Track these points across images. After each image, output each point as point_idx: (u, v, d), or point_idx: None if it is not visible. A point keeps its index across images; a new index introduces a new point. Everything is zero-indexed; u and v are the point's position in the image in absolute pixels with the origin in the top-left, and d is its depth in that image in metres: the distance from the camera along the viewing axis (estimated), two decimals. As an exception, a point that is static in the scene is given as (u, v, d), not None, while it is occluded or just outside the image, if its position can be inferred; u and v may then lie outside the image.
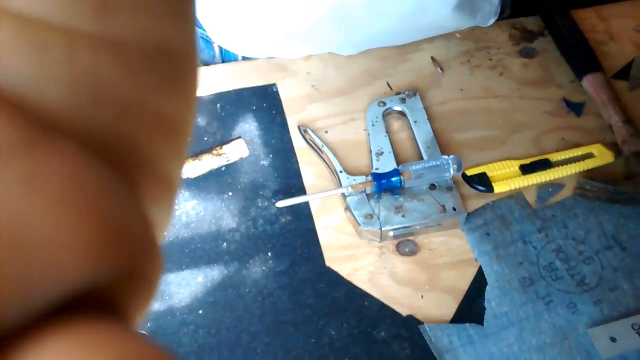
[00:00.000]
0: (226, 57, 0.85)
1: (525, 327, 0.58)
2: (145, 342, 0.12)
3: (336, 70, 0.77)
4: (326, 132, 0.72)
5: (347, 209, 0.64)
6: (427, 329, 0.58)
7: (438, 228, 0.64)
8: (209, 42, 0.85)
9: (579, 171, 0.67)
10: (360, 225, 0.62)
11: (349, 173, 0.66)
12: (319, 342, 0.59)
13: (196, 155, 0.68)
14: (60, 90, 0.13)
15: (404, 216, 0.63)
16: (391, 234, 0.63)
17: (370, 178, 0.65)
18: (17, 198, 0.11)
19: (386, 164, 0.67)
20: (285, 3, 0.71)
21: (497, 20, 0.83)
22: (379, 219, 0.62)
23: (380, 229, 0.62)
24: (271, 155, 0.70)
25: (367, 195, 0.64)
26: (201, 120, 0.73)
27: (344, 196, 0.65)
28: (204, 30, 0.84)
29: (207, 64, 0.89)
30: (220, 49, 0.84)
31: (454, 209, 0.63)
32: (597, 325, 0.58)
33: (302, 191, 0.68)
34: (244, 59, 0.83)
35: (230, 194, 0.68)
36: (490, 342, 0.57)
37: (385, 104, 0.72)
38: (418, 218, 0.62)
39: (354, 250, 0.64)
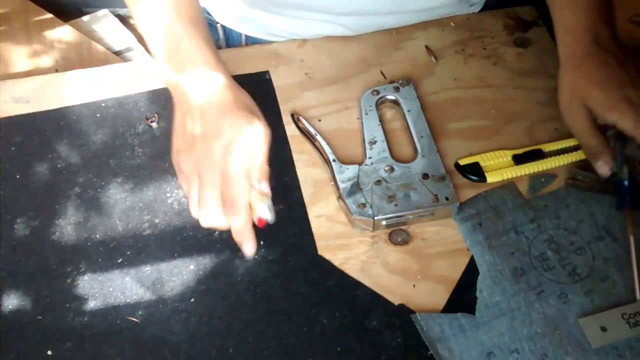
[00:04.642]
0: (229, 39, 0.84)
1: (516, 317, 0.58)
2: None
3: (329, 58, 0.77)
4: (319, 120, 0.71)
5: (340, 197, 0.64)
6: (419, 318, 0.58)
7: (430, 217, 0.64)
8: (211, 24, 0.83)
9: (571, 161, 0.67)
10: (352, 214, 0.62)
11: (342, 161, 0.66)
12: (311, 331, 0.59)
13: (188, 142, 0.67)
14: None
15: (396, 205, 0.63)
16: (384, 223, 0.63)
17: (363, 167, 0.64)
18: None
19: (379, 153, 0.66)
20: None
21: (487, 7, 0.82)
22: (371, 207, 0.62)
23: (373, 217, 0.62)
24: (264, 143, 0.70)
25: (359, 184, 0.64)
26: (193, 107, 0.72)
27: (337, 185, 0.65)
28: (208, 13, 0.83)
29: None
30: (224, 29, 0.83)
31: (447, 199, 0.63)
32: (587, 315, 0.58)
33: (294, 179, 0.67)
34: (247, 39, 0.82)
35: (223, 181, 0.67)
36: (481, 332, 0.58)
37: (378, 92, 0.72)
38: (410, 207, 0.62)
39: (346, 239, 0.63)
